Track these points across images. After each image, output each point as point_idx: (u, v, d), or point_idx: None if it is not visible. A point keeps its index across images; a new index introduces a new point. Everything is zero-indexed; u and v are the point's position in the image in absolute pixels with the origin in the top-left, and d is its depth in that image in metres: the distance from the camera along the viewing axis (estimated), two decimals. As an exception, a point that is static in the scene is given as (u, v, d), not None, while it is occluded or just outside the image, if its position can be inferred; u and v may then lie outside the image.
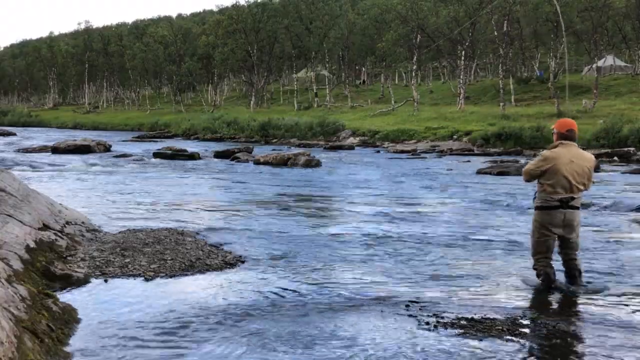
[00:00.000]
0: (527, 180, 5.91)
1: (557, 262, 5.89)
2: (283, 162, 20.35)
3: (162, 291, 5.52)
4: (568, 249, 5.81)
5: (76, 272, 5.72)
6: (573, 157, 5.67)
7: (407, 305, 5.19)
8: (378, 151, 28.68)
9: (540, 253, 5.81)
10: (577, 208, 5.77)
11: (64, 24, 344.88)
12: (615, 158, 21.44)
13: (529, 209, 10.92)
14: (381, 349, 4.23)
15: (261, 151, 25.44)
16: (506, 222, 9.59)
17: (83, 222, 7.92)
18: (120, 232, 7.82)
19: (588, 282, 5.87)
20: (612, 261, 6.90)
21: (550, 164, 5.65)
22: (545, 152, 5.81)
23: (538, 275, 5.83)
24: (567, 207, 5.67)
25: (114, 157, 22.69)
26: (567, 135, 5.75)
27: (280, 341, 4.36)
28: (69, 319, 4.61)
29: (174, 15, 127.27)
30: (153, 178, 16.03)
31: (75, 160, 21.19)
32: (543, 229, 5.75)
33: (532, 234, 5.92)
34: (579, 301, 5.44)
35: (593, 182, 6.21)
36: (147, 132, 46.68)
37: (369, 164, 21.67)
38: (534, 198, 5.89)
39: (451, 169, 19.19)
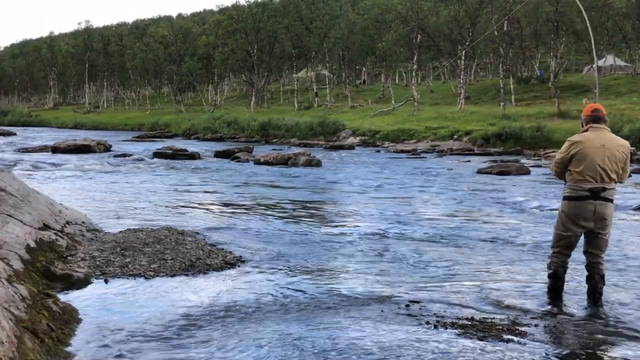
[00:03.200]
0: (558, 173, 5.35)
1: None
2: (283, 162, 20.35)
3: (162, 291, 5.52)
4: (596, 248, 5.28)
5: (76, 272, 5.72)
6: (604, 141, 5.11)
7: (408, 305, 5.19)
8: (378, 151, 28.69)
9: (559, 247, 5.36)
10: (610, 200, 5.17)
11: (64, 24, 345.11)
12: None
13: (530, 208, 10.94)
14: (381, 349, 4.23)
15: (261, 151, 25.44)
16: (506, 222, 9.59)
17: (83, 222, 7.92)
18: (120, 232, 7.81)
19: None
20: (612, 261, 6.89)
21: (578, 148, 5.12)
22: (573, 136, 5.29)
23: (548, 268, 5.45)
24: (599, 199, 5.10)
25: (114, 157, 22.69)
26: (595, 117, 5.21)
27: (280, 340, 4.36)
28: (69, 319, 4.61)
29: (174, 15, 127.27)
30: (153, 178, 16.03)
31: (75, 160, 21.19)
32: (569, 223, 5.22)
33: (556, 226, 5.40)
34: (579, 301, 5.43)
35: (629, 175, 5.64)
36: (148, 132, 46.63)
37: (369, 163, 21.67)
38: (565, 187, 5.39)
39: (451, 169, 19.19)
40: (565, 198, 5.28)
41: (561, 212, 5.32)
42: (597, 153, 5.09)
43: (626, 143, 5.26)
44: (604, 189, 5.12)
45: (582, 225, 5.21)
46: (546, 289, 5.55)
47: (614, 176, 5.15)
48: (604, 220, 5.17)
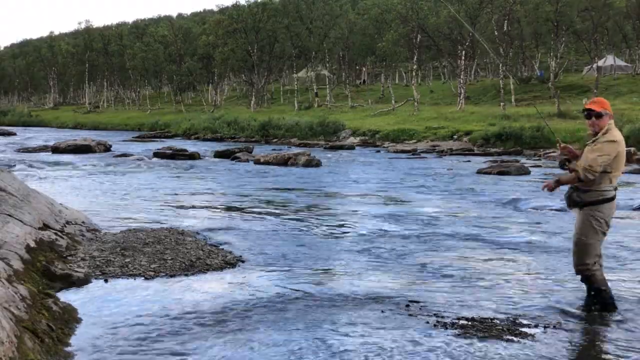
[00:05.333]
0: (588, 178, 4.86)
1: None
2: (283, 162, 20.34)
3: (162, 291, 5.52)
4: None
5: (76, 271, 5.72)
6: (622, 139, 5.03)
7: (408, 305, 5.18)
8: (378, 151, 28.68)
9: (596, 256, 4.99)
10: None
11: (64, 24, 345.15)
12: (616, 158, 21.38)
13: (530, 208, 10.93)
14: (382, 349, 4.23)
15: (261, 151, 25.43)
16: (506, 222, 9.58)
17: (83, 222, 7.92)
18: (120, 232, 7.82)
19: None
20: (612, 261, 6.89)
21: (621, 147, 4.91)
22: (610, 136, 4.91)
23: (600, 284, 5.00)
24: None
25: (114, 157, 22.69)
26: (612, 116, 5.06)
27: (280, 340, 4.36)
28: (69, 318, 4.62)
29: (174, 15, 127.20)
30: (153, 178, 16.03)
31: (75, 160, 21.19)
32: (605, 226, 4.95)
33: (588, 236, 4.95)
34: (579, 300, 5.43)
35: None
36: (148, 132, 46.56)
37: (369, 163, 21.67)
38: (579, 193, 4.97)
39: (451, 169, 19.18)
40: (599, 202, 4.91)
41: (596, 218, 4.92)
42: (625, 151, 5.02)
43: None
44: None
45: (609, 227, 5.03)
46: (602, 306, 5.09)
47: None
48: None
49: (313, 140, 33.61)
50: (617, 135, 4.95)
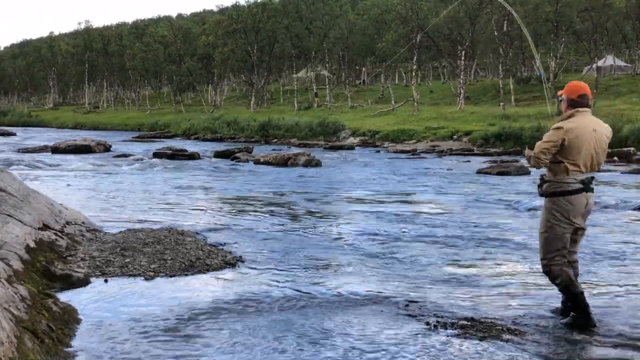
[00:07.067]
0: (539, 166, 4.72)
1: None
2: (283, 162, 20.35)
3: (162, 291, 5.52)
4: (575, 245, 4.85)
5: (76, 272, 5.72)
6: (595, 126, 4.65)
7: (407, 305, 5.18)
8: (378, 151, 28.69)
9: (557, 251, 4.69)
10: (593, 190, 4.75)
11: (64, 24, 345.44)
12: (615, 158, 21.41)
13: (530, 209, 10.93)
14: (381, 349, 4.23)
15: (261, 151, 25.44)
16: (506, 222, 9.58)
17: (83, 222, 7.92)
18: (120, 232, 7.82)
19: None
20: (612, 262, 6.90)
21: (571, 135, 4.55)
22: (561, 123, 4.67)
23: (555, 277, 4.73)
24: (589, 190, 4.65)
25: (114, 157, 22.70)
26: (579, 102, 4.68)
27: (280, 341, 4.36)
28: (69, 319, 4.61)
29: (174, 15, 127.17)
30: (153, 178, 16.03)
31: (75, 160, 21.19)
32: (563, 221, 4.65)
33: (545, 229, 4.73)
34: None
35: (606, 161, 5.23)
36: (147, 132, 46.59)
37: (369, 164, 21.67)
38: (542, 183, 4.79)
39: (451, 169, 19.19)
40: (554, 194, 4.67)
41: (552, 211, 4.69)
42: (590, 139, 4.60)
43: (609, 128, 4.86)
44: (592, 178, 4.71)
45: (574, 223, 4.69)
46: (566, 301, 4.85)
47: (601, 163, 4.76)
48: (589, 213, 4.83)
49: (313, 141, 33.61)
50: (572, 122, 4.63)
